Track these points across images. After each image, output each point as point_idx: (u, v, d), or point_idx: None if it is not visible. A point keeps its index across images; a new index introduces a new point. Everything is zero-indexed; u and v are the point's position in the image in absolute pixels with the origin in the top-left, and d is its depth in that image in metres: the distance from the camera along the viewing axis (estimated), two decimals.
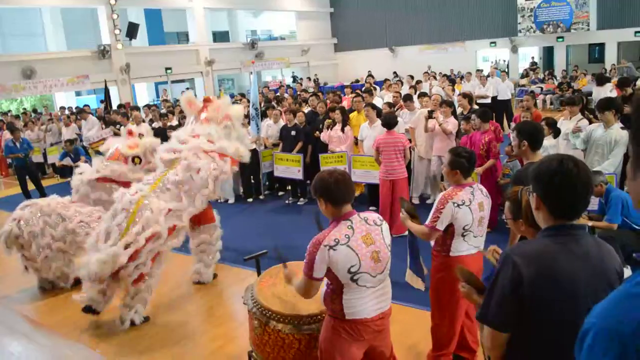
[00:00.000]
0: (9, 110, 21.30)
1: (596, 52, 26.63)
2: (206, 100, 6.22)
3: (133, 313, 5.36)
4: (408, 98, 9.74)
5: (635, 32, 22.77)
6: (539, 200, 1.99)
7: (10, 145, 11.17)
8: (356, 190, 9.66)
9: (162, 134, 10.80)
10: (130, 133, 6.94)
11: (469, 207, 3.70)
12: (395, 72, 24.94)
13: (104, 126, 12.97)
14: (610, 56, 23.93)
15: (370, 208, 8.33)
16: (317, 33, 31.50)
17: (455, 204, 3.68)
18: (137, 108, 11.81)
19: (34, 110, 20.34)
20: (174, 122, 11.75)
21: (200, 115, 6.09)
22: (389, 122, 7.27)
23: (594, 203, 5.94)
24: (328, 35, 32.38)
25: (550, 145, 6.37)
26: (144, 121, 11.46)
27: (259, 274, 4.20)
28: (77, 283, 6.19)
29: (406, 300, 5.13)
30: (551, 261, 1.91)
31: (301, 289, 3.01)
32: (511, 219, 2.73)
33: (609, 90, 11.12)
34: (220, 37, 30.48)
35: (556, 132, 6.76)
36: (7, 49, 22.79)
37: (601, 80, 12.04)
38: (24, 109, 21.72)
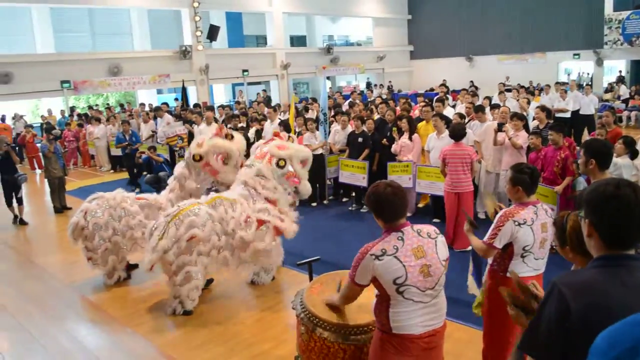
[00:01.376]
0: (96, 105, 22.50)
1: None
2: (275, 135, 6.51)
3: (177, 303, 5.63)
4: (480, 109, 9.49)
5: None
6: (591, 227, 1.85)
7: (120, 137, 13.18)
8: (421, 201, 9.52)
9: None
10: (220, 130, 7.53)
11: (530, 227, 3.55)
12: (471, 82, 24.40)
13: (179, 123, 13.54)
14: None
15: (434, 220, 8.17)
16: (393, 40, 31.34)
17: (516, 223, 3.54)
18: (211, 108, 12.19)
19: (121, 105, 21.39)
20: (244, 124, 12.05)
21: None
22: (456, 134, 7.12)
23: None
24: (404, 42, 32.15)
25: (625, 165, 6.01)
26: (216, 121, 11.78)
27: (310, 279, 4.21)
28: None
29: (462, 318, 5.00)
30: (602, 293, 1.77)
31: (343, 291, 3.13)
32: (558, 245, 2.56)
33: None
34: (298, 41, 30.90)
35: (634, 153, 6.37)
36: (97, 46, 24.06)
37: None
38: (108, 104, 22.87)
